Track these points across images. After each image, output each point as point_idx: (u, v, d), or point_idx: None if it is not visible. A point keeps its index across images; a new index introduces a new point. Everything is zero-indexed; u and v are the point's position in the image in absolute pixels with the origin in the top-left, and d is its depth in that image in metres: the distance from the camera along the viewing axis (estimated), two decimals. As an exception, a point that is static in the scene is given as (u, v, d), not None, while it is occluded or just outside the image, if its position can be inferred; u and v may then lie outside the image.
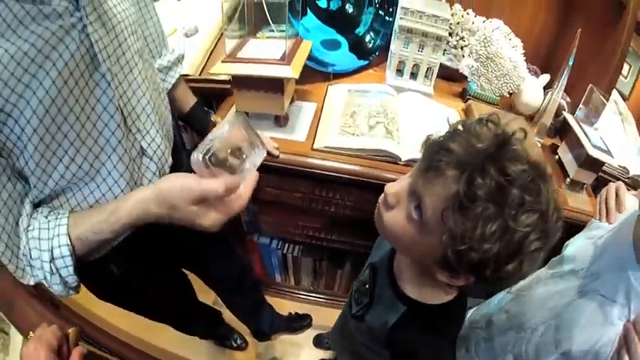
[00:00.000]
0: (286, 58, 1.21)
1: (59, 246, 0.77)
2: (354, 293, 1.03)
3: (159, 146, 0.98)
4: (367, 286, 0.96)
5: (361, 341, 1.05)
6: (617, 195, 1.05)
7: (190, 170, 0.77)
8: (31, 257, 0.77)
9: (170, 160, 1.05)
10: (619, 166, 1.52)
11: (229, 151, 0.80)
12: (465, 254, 0.61)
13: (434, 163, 0.64)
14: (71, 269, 0.78)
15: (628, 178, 1.48)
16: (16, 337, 1.02)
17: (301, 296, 2.20)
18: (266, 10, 1.28)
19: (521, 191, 0.59)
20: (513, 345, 1.05)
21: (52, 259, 0.77)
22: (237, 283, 1.68)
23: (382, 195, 0.76)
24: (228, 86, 1.36)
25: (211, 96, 1.53)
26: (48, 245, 0.76)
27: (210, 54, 1.59)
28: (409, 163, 1.28)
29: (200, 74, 1.49)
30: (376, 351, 0.99)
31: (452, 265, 0.65)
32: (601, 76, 1.68)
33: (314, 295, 2.19)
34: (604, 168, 1.42)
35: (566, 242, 1.06)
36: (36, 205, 0.81)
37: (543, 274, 1.07)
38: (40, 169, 0.76)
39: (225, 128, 0.79)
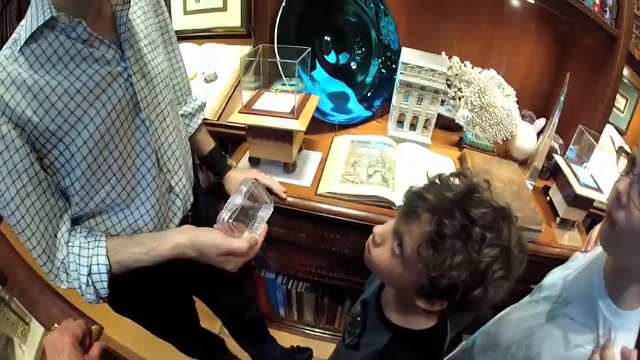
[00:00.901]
0: (295, 112, 1.34)
1: (97, 264, 0.91)
2: (347, 326, 1.14)
3: (184, 185, 1.16)
4: (359, 318, 1.08)
5: None
6: None
7: (206, 208, 1.15)
8: (68, 267, 0.91)
9: (192, 197, 1.23)
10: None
11: (246, 209, 1.02)
12: (437, 281, 0.76)
13: (412, 208, 0.81)
14: (105, 284, 0.93)
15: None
16: (36, 328, 1.08)
17: (304, 330, 2.27)
18: (280, 67, 1.42)
19: (483, 229, 0.75)
20: None
21: (90, 274, 0.92)
22: (242, 314, 1.78)
23: (371, 235, 0.92)
24: (243, 132, 1.50)
25: (227, 140, 1.68)
26: (87, 262, 0.91)
27: (228, 101, 1.72)
28: None
29: (218, 119, 1.64)
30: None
31: (427, 292, 0.80)
32: (594, 113, 1.78)
33: (316, 329, 2.25)
34: (596, 204, 1.50)
35: (548, 273, 1.13)
36: (74, 222, 0.95)
37: (524, 300, 1.16)
38: (84, 191, 0.90)
39: (242, 192, 1.00)
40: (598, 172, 1.61)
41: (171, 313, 1.40)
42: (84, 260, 0.91)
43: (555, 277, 1.09)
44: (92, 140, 0.85)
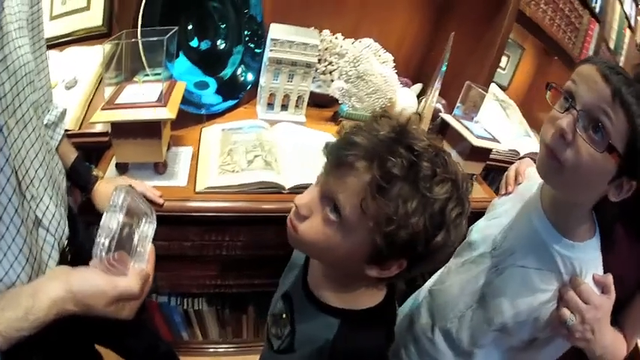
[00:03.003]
0: (163, 99, 1.22)
1: None
2: (271, 329, 1.00)
3: (53, 215, 0.90)
4: (284, 315, 0.94)
5: None
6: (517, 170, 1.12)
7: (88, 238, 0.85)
8: None
9: (67, 230, 0.97)
10: (509, 150, 1.60)
11: (125, 231, 0.79)
12: (394, 235, 0.65)
13: (342, 159, 0.68)
14: None
15: (520, 158, 1.57)
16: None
17: (210, 349, 2.11)
18: (142, 52, 1.26)
19: (431, 164, 0.66)
20: (445, 337, 1.08)
21: None
22: (154, 353, 1.60)
23: (292, 210, 0.78)
24: (107, 139, 1.35)
25: (92, 150, 1.47)
26: None
27: (89, 106, 1.53)
28: (294, 190, 1.30)
29: (80, 128, 1.44)
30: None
31: (382, 254, 0.69)
32: (479, 72, 1.82)
33: (224, 345, 2.11)
34: (493, 155, 1.53)
35: (469, 228, 1.09)
36: None
37: (453, 264, 1.11)
38: None
39: (117, 209, 0.76)
40: (489, 125, 1.64)
41: None
42: None
43: (482, 232, 1.06)
44: None
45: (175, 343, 2.05)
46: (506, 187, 1.10)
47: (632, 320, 0.92)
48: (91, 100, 1.56)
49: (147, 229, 0.86)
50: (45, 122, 1.04)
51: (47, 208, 0.87)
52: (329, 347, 0.82)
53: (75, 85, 1.59)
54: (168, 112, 1.20)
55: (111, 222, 0.74)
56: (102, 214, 0.78)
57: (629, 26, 2.92)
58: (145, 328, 1.57)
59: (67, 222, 0.97)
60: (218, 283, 1.61)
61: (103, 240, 0.73)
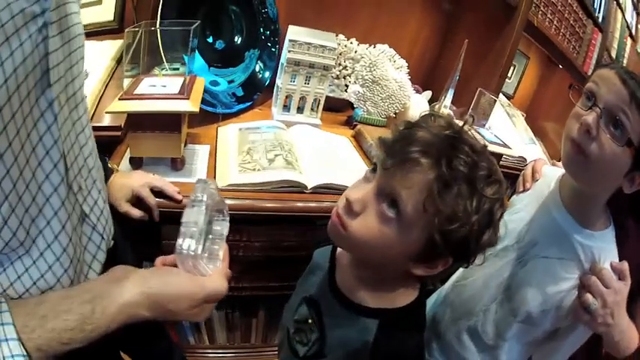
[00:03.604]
0: (186, 92, 1.19)
1: (12, 356, 0.52)
2: (294, 336, 0.96)
3: (102, 212, 0.79)
4: (310, 320, 0.91)
5: None
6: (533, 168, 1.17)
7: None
8: None
9: (113, 230, 0.86)
10: (518, 156, 1.64)
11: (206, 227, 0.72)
12: (454, 232, 0.65)
13: (407, 155, 0.67)
14: None
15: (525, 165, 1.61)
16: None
17: (219, 355, 2.06)
18: (160, 45, 1.25)
19: (487, 164, 0.69)
20: (469, 332, 1.10)
21: None
22: (168, 356, 1.53)
23: (341, 205, 0.75)
24: (119, 133, 1.30)
25: (101, 145, 1.39)
26: None
27: (99, 101, 1.47)
28: (316, 190, 1.30)
29: (90, 120, 1.36)
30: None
31: (435, 252, 0.69)
32: (488, 80, 1.85)
33: (231, 351, 2.06)
34: (502, 162, 1.56)
35: None
36: None
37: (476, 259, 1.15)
38: None
39: (203, 203, 0.70)
40: (499, 132, 1.66)
41: None
42: None
43: (505, 226, 1.09)
44: None
45: (181, 347, 2.01)
46: (524, 185, 1.14)
47: None
48: (102, 94, 1.52)
49: (221, 227, 0.79)
50: None
51: (95, 203, 0.77)
52: (370, 349, 0.81)
53: (86, 78, 1.57)
54: (192, 105, 1.17)
55: (198, 217, 0.68)
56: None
57: (630, 35, 2.97)
58: (164, 332, 1.51)
59: (112, 220, 0.87)
60: (232, 285, 1.57)
61: (191, 235, 0.66)
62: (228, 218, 0.80)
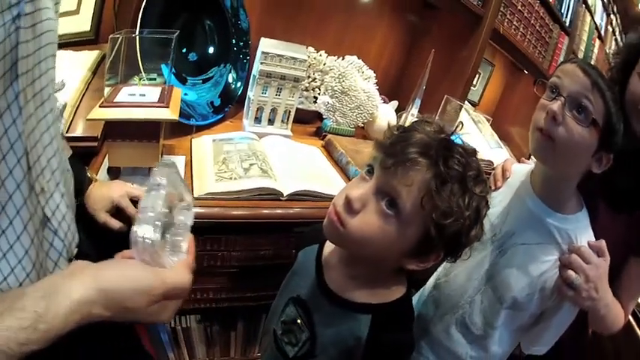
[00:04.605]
0: (165, 100, 1.21)
1: None
2: (282, 337, 0.98)
3: (64, 217, 0.75)
4: (299, 320, 0.94)
5: None
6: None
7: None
8: None
9: (77, 237, 0.82)
10: (485, 160, 1.70)
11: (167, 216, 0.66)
12: (448, 227, 0.72)
13: (406, 155, 0.72)
14: None
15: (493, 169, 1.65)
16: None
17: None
18: (139, 55, 1.26)
19: (476, 164, 0.77)
20: (458, 325, 1.14)
21: None
22: None
23: (340, 203, 0.78)
24: (95, 144, 1.30)
25: (77, 156, 1.39)
26: None
27: (75, 111, 1.45)
28: (292, 197, 1.33)
29: (67, 131, 1.34)
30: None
31: (430, 246, 0.76)
32: (453, 89, 1.93)
33: (211, 366, 2.05)
34: None
35: None
36: None
37: None
38: None
39: (161, 187, 0.64)
40: (466, 137, 1.72)
41: None
42: None
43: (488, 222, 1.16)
44: None
45: (160, 364, 2.00)
46: (496, 183, 1.20)
47: (625, 290, 1.05)
48: (79, 104, 1.50)
49: (184, 217, 0.73)
50: None
51: (57, 207, 0.73)
52: (364, 343, 0.84)
53: (62, 88, 1.55)
54: (171, 113, 1.19)
55: (155, 202, 0.61)
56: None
57: (599, 36, 3.09)
58: (142, 348, 1.43)
59: (76, 228, 0.82)
60: (210, 297, 1.58)
61: (148, 221, 0.60)
62: (193, 208, 0.75)
